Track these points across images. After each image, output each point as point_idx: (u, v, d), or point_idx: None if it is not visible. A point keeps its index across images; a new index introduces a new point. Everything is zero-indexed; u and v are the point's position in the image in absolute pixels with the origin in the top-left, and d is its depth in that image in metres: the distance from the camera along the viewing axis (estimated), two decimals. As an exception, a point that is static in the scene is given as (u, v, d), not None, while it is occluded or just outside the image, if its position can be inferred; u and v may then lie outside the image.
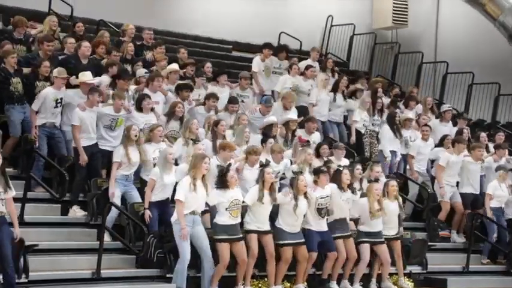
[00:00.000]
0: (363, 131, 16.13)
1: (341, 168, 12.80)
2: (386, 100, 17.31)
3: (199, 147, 12.08)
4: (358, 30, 23.84)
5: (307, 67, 16.93)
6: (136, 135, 11.97)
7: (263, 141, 13.40)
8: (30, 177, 12.05)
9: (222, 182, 11.51)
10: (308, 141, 14.33)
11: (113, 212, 11.77)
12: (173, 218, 11.24)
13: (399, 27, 24.34)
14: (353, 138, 16.01)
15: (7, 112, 12.72)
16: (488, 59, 22.91)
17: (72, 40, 14.54)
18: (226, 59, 20.43)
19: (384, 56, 24.23)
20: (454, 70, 22.78)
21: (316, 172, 12.57)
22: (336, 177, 12.66)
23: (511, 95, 22.42)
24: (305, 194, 12.09)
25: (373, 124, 16.24)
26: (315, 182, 12.44)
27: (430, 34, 24.51)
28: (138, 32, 16.91)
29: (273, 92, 16.76)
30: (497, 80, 22.22)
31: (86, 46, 14.13)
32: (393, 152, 15.86)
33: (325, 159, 13.80)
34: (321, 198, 12.36)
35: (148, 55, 15.83)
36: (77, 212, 12.18)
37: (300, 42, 22.01)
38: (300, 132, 14.63)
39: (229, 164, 11.84)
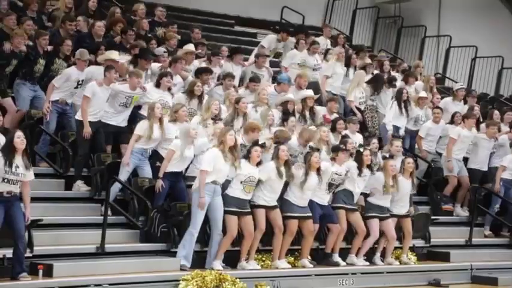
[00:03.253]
0: (362, 107, 16.10)
1: (361, 150, 12.91)
2: (397, 75, 17.28)
3: (220, 127, 12.08)
4: (361, 4, 23.75)
5: (312, 43, 16.85)
6: (160, 113, 11.97)
7: (284, 120, 13.39)
8: (34, 152, 12.06)
9: (247, 153, 11.62)
10: (333, 121, 14.37)
11: (116, 186, 11.79)
12: (194, 186, 11.34)
13: (402, 0, 24.24)
14: (359, 115, 15.94)
15: (16, 86, 12.70)
16: (491, 32, 22.88)
17: (80, 18, 14.57)
18: (229, 34, 20.36)
19: (386, 30, 24.16)
20: (457, 44, 22.73)
21: (335, 150, 12.70)
22: (357, 159, 12.77)
23: (514, 68, 22.41)
24: (318, 170, 12.13)
25: (371, 99, 16.20)
26: (333, 158, 12.54)
27: (433, 8, 24.41)
28: (149, 8, 16.91)
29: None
30: (501, 54, 22.19)
31: (99, 26, 14.25)
32: (396, 127, 15.83)
33: (342, 134, 13.83)
34: (336, 174, 12.47)
35: (159, 31, 15.83)
36: (80, 187, 12.20)
37: (303, 16, 21.93)
38: (320, 110, 14.64)
39: (257, 141, 11.88)
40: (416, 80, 17.42)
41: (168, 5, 19.82)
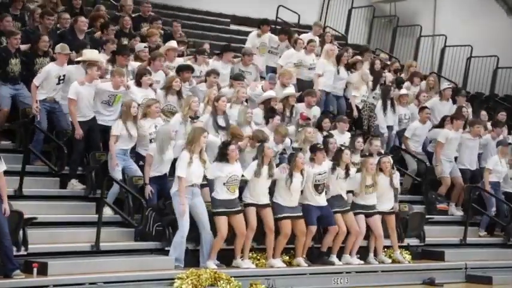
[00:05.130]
0: (361, 106, 16.09)
1: (343, 148, 12.87)
2: (389, 75, 17.24)
3: (198, 125, 12.05)
4: (357, 4, 23.79)
5: (309, 41, 16.82)
6: (136, 112, 11.92)
7: (269, 118, 13.35)
8: (29, 150, 12.05)
9: (223, 155, 11.56)
10: (309, 118, 14.33)
11: (115, 188, 11.78)
12: (173, 190, 11.31)
13: (398, 0, 24.26)
14: (355, 113, 15.95)
15: None
16: (487, 32, 22.91)
17: (66, 15, 14.50)
18: (225, 33, 20.37)
19: (382, 29, 24.19)
20: (453, 43, 22.77)
21: (313, 149, 12.64)
22: (337, 156, 12.74)
23: (509, 68, 22.44)
24: (301, 170, 12.14)
25: (373, 97, 16.18)
26: (312, 159, 12.50)
27: (428, 7, 24.45)
28: (136, 5, 16.86)
29: (267, 67, 16.71)
30: (496, 53, 22.24)
31: (82, 21, 14.14)
32: (390, 127, 15.82)
33: (326, 133, 13.80)
34: (319, 174, 12.44)
35: (143, 29, 15.78)
36: (75, 186, 12.18)
37: (298, 15, 21.94)
38: (300, 107, 14.58)
39: (230, 141, 11.86)
40: (422, 80, 17.38)
41: (164, 4, 19.89)
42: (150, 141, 12.05)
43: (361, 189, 12.93)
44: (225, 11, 21.82)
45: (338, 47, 17.90)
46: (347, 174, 12.75)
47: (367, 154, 13.39)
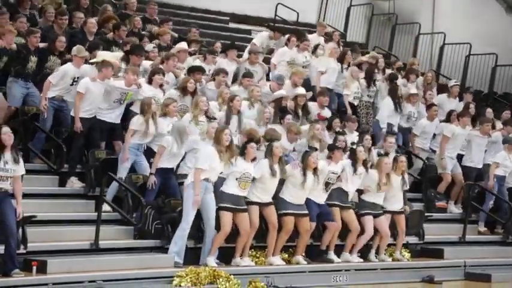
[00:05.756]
0: (356, 103, 16.12)
1: (355, 147, 12.95)
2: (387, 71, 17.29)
3: (214, 125, 12.08)
4: (356, 1, 23.76)
5: (302, 40, 16.83)
6: (156, 108, 12.00)
7: (281, 118, 13.39)
8: (28, 149, 12.05)
9: (242, 149, 11.65)
10: (327, 118, 14.39)
11: (114, 183, 11.80)
12: (186, 183, 11.35)
13: (396, -2, 24.32)
14: (349, 111, 15.99)
15: (9, 84, 12.64)
16: (485, 29, 22.91)
17: (81, 15, 14.63)
18: (224, 31, 20.37)
19: (381, 27, 24.19)
20: (451, 41, 22.76)
21: (331, 148, 12.71)
22: (353, 155, 12.81)
23: (508, 65, 22.44)
24: (315, 169, 12.14)
25: (368, 95, 16.22)
26: (329, 157, 12.55)
27: (427, 5, 24.44)
28: (141, 5, 16.89)
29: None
30: (495, 51, 22.24)
31: (91, 22, 14.27)
32: (390, 125, 15.85)
33: (338, 129, 13.89)
34: (332, 173, 12.48)
35: (153, 29, 15.82)
36: (74, 183, 12.19)
37: (297, 13, 21.93)
38: (312, 106, 14.65)
39: (253, 137, 11.91)
40: (418, 77, 17.44)
41: (163, 2, 19.86)
42: None
43: (379, 188, 12.90)
44: (224, 9, 21.81)
45: (343, 47, 17.98)
46: (366, 169, 12.84)
47: (382, 153, 13.41)
